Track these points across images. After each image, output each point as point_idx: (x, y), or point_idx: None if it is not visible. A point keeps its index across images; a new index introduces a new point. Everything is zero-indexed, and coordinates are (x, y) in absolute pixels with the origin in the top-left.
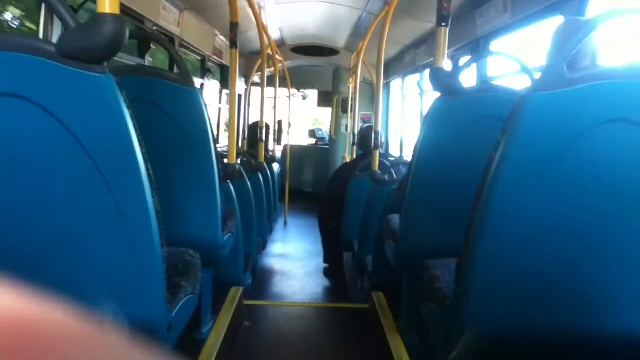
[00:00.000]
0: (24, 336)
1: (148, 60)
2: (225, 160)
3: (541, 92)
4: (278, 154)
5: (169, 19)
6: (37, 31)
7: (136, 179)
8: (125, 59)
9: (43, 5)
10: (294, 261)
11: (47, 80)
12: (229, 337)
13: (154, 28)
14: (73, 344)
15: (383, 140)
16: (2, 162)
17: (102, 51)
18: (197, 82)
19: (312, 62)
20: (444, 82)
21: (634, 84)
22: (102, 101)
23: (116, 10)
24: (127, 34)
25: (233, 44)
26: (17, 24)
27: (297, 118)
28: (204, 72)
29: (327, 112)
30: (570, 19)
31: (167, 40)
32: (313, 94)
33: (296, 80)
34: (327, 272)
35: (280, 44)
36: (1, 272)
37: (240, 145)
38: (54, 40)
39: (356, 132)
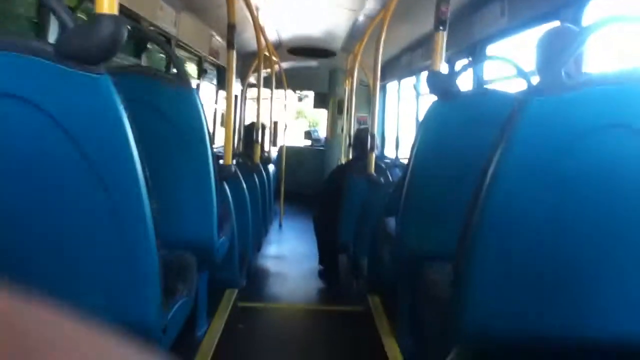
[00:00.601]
0: (18, 336)
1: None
2: (221, 162)
3: (539, 97)
4: (274, 155)
5: (166, 19)
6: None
7: (133, 180)
8: (121, 58)
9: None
10: (289, 263)
11: (44, 80)
12: (223, 339)
13: (151, 28)
14: (68, 345)
15: (379, 143)
16: None
17: (99, 52)
18: (194, 82)
19: (308, 64)
20: (441, 86)
21: (631, 89)
22: (99, 102)
23: (114, 11)
24: (125, 35)
25: (230, 45)
26: None
27: (282, 112)
28: (201, 73)
29: (309, 104)
30: (554, 28)
31: (164, 40)
32: (309, 96)
33: (292, 81)
34: (322, 274)
35: (277, 45)
36: None
37: (235, 146)
38: (51, 40)
39: (352, 133)
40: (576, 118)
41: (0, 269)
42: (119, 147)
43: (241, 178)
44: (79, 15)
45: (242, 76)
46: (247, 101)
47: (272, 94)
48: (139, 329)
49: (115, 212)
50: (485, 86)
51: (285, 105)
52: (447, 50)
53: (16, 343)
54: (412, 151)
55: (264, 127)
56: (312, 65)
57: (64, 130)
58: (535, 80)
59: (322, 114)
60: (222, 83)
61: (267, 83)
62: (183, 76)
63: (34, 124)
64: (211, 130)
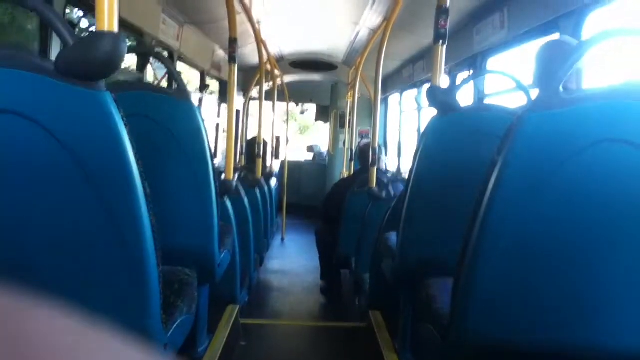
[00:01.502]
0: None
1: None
2: (223, 176)
3: (537, 112)
4: (276, 169)
5: (169, 33)
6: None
7: (132, 196)
8: (122, 72)
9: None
10: (291, 278)
11: (44, 97)
12: (224, 356)
13: (153, 42)
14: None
15: (385, 156)
16: None
17: (99, 68)
18: (196, 96)
19: (310, 77)
20: (441, 100)
21: (629, 104)
22: (99, 118)
23: (114, 28)
24: (125, 52)
25: (232, 59)
26: None
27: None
28: (203, 86)
29: (308, 116)
30: (551, 41)
31: (166, 55)
32: (311, 109)
33: (294, 94)
34: (324, 289)
35: (279, 58)
36: None
37: (238, 160)
38: (52, 57)
39: (354, 147)
40: (574, 133)
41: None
42: (119, 163)
43: (243, 193)
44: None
45: (245, 90)
46: (251, 115)
47: (274, 107)
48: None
49: (115, 228)
50: (485, 100)
51: (286, 120)
52: (447, 62)
53: (16, 345)
54: (413, 165)
55: (265, 142)
56: (314, 78)
57: (64, 146)
58: (535, 94)
59: (313, 117)
60: (225, 97)
61: (269, 96)
62: (184, 91)
63: (33, 140)
64: (213, 145)
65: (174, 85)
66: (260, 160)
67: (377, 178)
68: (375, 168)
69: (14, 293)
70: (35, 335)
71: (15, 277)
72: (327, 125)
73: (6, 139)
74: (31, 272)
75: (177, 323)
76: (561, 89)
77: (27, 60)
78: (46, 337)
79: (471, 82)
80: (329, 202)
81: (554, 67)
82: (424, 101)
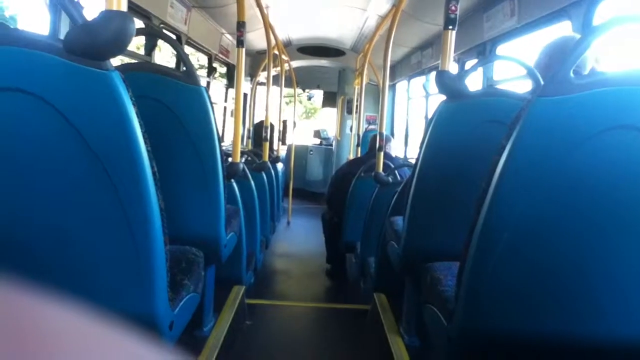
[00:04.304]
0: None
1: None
2: (230, 159)
3: (547, 98)
4: (282, 154)
5: (176, 16)
6: None
7: (140, 176)
8: (130, 55)
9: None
10: (296, 261)
11: (53, 76)
12: (230, 335)
13: (161, 25)
14: (74, 340)
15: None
16: (6, 156)
17: (108, 48)
18: (203, 80)
19: (318, 63)
20: (450, 86)
21: None
22: (107, 98)
23: (121, 7)
24: (134, 31)
25: (240, 43)
26: None
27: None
28: (211, 70)
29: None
30: (563, 37)
31: (174, 38)
32: (318, 94)
33: (302, 80)
34: (329, 273)
35: (287, 43)
36: (3, 267)
37: (244, 144)
38: (62, 36)
39: (361, 133)
40: (584, 119)
41: (6, 263)
42: (127, 142)
43: (249, 176)
44: None
45: (252, 74)
46: (259, 100)
47: (281, 92)
48: (146, 324)
49: (123, 207)
50: (494, 86)
51: (294, 104)
52: (456, 49)
53: (19, 336)
54: (420, 151)
55: (272, 126)
56: (321, 64)
57: (72, 125)
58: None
59: (320, 102)
60: (232, 81)
61: (277, 82)
62: (193, 74)
63: (42, 119)
64: (220, 128)
65: (182, 68)
66: (267, 143)
67: (384, 163)
68: (383, 153)
69: (21, 272)
70: (38, 319)
71: (22, 252)
72: (334, 109)
73: (15, 116)
74: (38, 248)
75: (183, 301)
76: (572, 74)
77: (36, 39)
78: (49, 322)
79: (480, 70)
80: (336, 186)
81: (564, 53)
82: (432, 88)
